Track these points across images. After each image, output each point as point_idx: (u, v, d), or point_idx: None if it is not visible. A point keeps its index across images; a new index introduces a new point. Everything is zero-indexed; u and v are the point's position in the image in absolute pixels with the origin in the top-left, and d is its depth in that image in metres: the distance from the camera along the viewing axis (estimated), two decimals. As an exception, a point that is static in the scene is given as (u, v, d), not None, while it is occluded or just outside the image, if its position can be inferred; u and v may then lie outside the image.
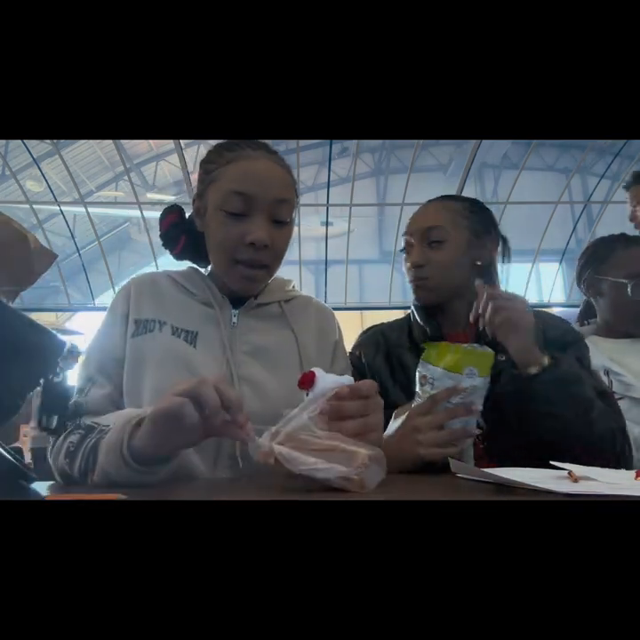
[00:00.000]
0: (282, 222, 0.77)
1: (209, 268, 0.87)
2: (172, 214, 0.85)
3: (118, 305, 0.80)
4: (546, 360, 0.80)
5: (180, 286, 0.82)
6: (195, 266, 0.88)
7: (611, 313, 1.23)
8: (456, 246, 0.95)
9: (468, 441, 0.79)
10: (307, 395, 0.60)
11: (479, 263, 0.96)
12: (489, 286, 0.83)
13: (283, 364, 0.79)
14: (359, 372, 1.01)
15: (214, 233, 0.77)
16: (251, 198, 0.74)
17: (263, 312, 0.84)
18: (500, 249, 1.00)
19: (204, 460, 0.72)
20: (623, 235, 1.27)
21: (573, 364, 0.84)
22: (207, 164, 0.81)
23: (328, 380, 0.60)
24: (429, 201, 1.03)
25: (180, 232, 0.85)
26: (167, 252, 0.90)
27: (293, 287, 0.92)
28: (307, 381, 0.59)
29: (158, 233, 0.88)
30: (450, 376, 0.79)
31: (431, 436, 0.74)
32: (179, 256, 0.88)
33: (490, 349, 0.79)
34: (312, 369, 0.60)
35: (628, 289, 1.15)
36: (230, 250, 0.76)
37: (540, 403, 0.79)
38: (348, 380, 0.62)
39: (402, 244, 1.03)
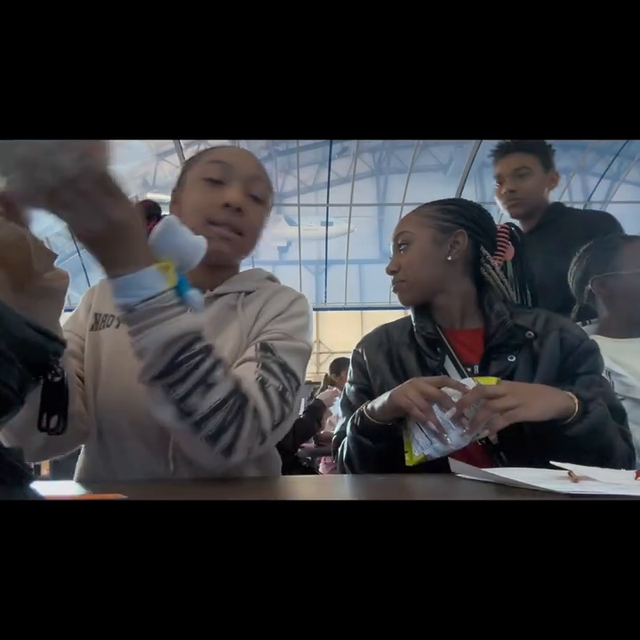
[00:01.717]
0: (257, 199, 0.80)
1: None
2: (145, 201, 0.85)
3: (85, 298, 0.84)
4: (576, 408, 0.77)
5: None
6: None
7: (629, 307, 1.23)
8: (420, 245, 0.98)
9: (437, 448, 0.78)
10: None
11: (450, 259, 0.97)
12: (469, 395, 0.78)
13: (224, 348, 0.74)
14: (360, 367, 1.03)
15: (191, 200, 0.79)
16: (229, 166, 0.79)
17: (218, 303, 0.80)
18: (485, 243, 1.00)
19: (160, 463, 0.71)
20: (616, 234, 1.28)
21: (602, 412, 0.80)
22: (185, 163, 0.86)
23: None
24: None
25: (152, 216, 0.84)
26: None
27: (268, 279, 0.88)
28: None
29: None
30: (473, 384, 0.81)
31: (413, 392, 0.78)
32: None
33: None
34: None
35: None
36: (205, 211, 0.77)
37: (566, 451, 0.76)
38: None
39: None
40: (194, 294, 0.62)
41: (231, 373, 0.63)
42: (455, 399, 0.78)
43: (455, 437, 0.77)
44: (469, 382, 0.82)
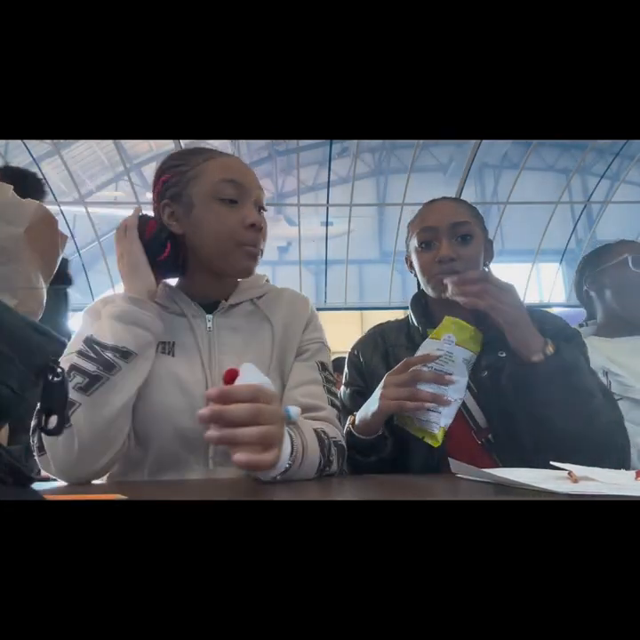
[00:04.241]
0: (262, 209, 0.86)
1: (176, 282, 0.90)
2: (152, 220, 0.84)
3: (90, 324, 0.80)
4: (549, 348, 0.80)
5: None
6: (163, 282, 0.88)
7: (617, 300, 1.25)
8: (479, 243, 0.97)
9: (447, 413, 0.79)
10: None
11: (487, 262, 1.00)
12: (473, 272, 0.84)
13: (258, 353, 0.83)
14: (356, 369, 1.02)
15: (211, 222, 0.81)
16: (241, 186, 0.82)
17: (237, 312, 0.87)
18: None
19: (197, 461, 0.76)
20: (619, 241, 1.32)
21: (576, 354, 0.84)
22: (177, 168, 0.84)
23: (251, 378, 0.58)
24: (445, 198, 1.03)
25: (165, 238, 0.82)
26: None
27: (266, 281, 0.95)
28: (229, 378, 0.58)
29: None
30: (431, 343, 0.83)
31: (392, 390, 0.79)
32: (165, 262, 0.82)
33: (474, 325, 0.82)
34: (240, 365, 0.59)
35: (629, 262, 1.19)
36: (232, 234, 0.80)
37: (543, 390, 0.79)
38: (267, 383, 0.59)
39: (402, 243, 1.04)
40: (294, 411, 0.69)
41: (332, 437, 0.74)
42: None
43: (453, 392, 0.79)
44: (426, 343, 0.84)
